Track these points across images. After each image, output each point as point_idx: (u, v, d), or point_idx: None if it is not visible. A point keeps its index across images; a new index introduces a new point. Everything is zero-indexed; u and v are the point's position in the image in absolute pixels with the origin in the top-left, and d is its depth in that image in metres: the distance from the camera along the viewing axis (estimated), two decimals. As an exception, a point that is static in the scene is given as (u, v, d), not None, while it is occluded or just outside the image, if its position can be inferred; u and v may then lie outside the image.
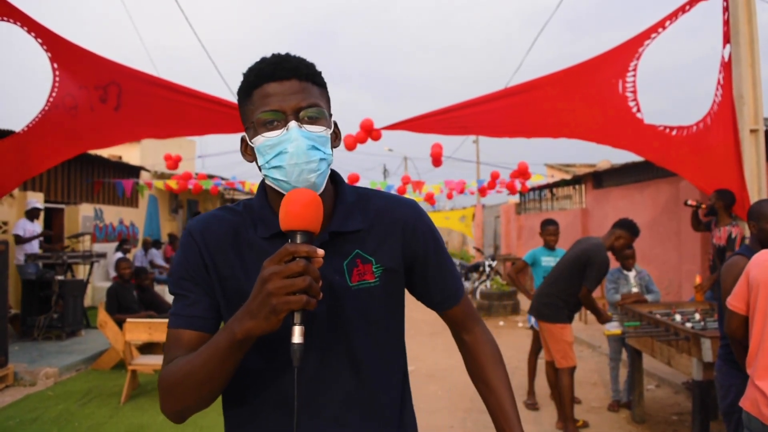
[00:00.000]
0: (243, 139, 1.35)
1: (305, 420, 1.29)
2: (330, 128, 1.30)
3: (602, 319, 5.38)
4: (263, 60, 1.30)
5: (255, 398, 1.33)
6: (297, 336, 1.08)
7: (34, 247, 9.11)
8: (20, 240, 8.95)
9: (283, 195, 1.26)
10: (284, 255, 1.06)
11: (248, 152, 1.34)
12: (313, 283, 1.05)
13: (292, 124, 1.23)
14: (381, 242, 1.36)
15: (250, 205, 1.38)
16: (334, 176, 1.42)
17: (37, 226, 9.29)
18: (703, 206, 6.22)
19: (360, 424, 1.33)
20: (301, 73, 1.27)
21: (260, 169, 1.29)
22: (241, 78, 1.32)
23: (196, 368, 1.18)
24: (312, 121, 1.25)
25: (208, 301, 1.30)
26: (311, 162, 1.23)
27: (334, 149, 1.35)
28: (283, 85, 1.25)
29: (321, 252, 1.08)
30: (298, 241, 1.11)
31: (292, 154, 1.22)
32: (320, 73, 1.32)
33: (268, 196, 1.37)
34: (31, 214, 9.22)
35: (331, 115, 1.33)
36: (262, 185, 1.38)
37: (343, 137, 7.71)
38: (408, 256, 1.40)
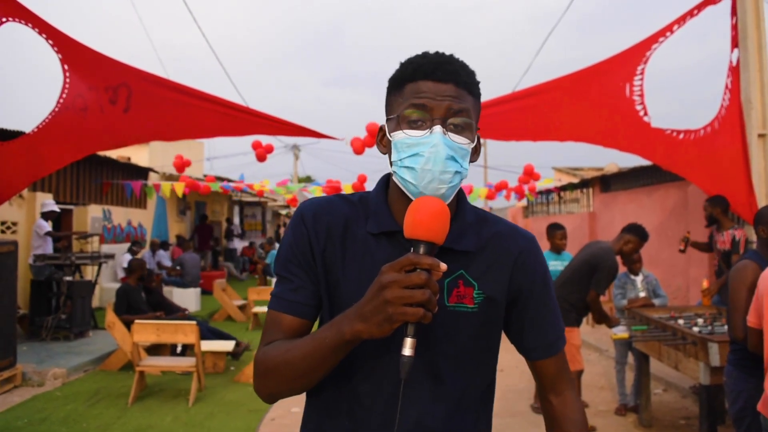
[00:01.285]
0: (382, 129, 1.30)
1: None
2: (473, 142, 1.24)
3: (610, 323, 5.37)
4: (425, 56, 1.25)
5: (330, 400, 1.30)
6: (408, 348, 1.06)
7: (50, 246, 9.26)
8: (52, 234, 9.29)
9: (405, 195, 1.23)
10: (406, 264, 1.04)
11: (384, 143, 1.30)
12: (432, 297, 1.03)
13: (437, 128, 1.17)
14: (488, 268, 1.30)
15: (367, 198, 1.34)
16: (458, 192, 1.33)
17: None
18: (688, 234, 6.49)
19: None
20: (461, 80, 1.21)
21: (391, 165, 1.25)
22: (396, 67, 1.28)
23: (296, 359, 1.18)
24: (458, 130, 1.20)
25: (311, 288, 1.28)
26: (446, 173, 1.17)
27: (471, 163, 1.30)
28: (438, 87, 1.20)
29: (444, 266, 1.05)
30: (421, 252, 1.08)
31: (428, 159, 1.16)
32: (478, 83, 1.27)
33: (388, 192, 1.33)
34: (47, 216, 9.36)
35: (477, 129, 1.27)
36: (384, 180, 1.35)
37: (351, 140, 7.65)
38: (513, 289, 1.32)
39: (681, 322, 4.73)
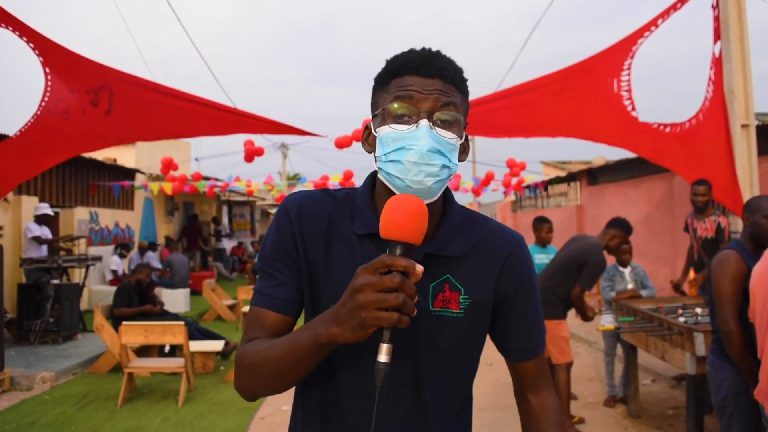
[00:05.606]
0: (368, 128, 1.28)
1: None
2: (461, 138, 1.21)
3: (585, 317, 5.35)
4: (411, 51, 1.22)
5: (316, 401, 1.30)
6: (384, 355, 1.02)
7: (44, 250, 9.21)
8: (41, 241, 9.24)
9: (392, 193, 1.19)
10: (380, 266, 1.01)
11: (369, 141, 1.28)
12: (408, 300, 0.99)
13: (424, 122, 1.15)
14: (475, 272, 1.27)
15: (353, 195, 1.32)
16: (445, 193, 1.31)
17: (46, 230, 9.40)
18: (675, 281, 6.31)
19: None
20: (447, 75, 1.19)
21: (376, 161, 1.22)
22: (382, 64, 1.25)
23: (272, 359, 1.15)
24: (445, 125, 1.17)
25: (294, 284, 1.26)
26: (432, 165, 1.14)
27: (460, 162, 1.26)
28: (425, 81, 1.18)
29: (420, 268, 1.02)
30: (397, 253, 1.04)
31: (414, 152, 1.13)
32: (466, 80, 1.25)
33: (375, 191, 1.31)
34: (40, 219, 9.30)
35: (465, 125, 1.24)
36: (371, 178, 1.33)
37: (335, 138, 7.63)
38: (500, 293, 1.30)
39: (681, 311, 4.76)
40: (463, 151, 1.26)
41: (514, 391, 1.46)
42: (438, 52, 1.22)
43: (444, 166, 1.16)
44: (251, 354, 1.20)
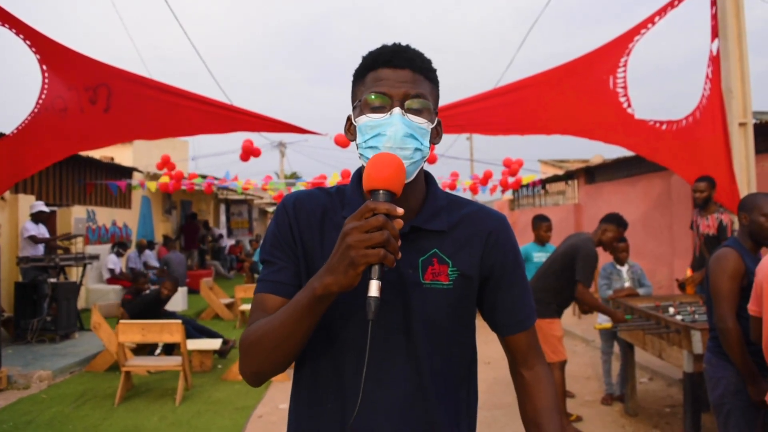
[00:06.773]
0: (348, 118, 1.40)
1: (360, 413, 1.26)
2: (432, 123, 1.33)
3: (616, 317, 5.14)
4: (384, 47, 1.35)
5: (315, 376, 1.36)
6: (374, 290, 1.11)
7: (40, 249, 9.18)
8: (37, 240, 9.16)
9: None
10: (365, 211, 1.11)
11: (351, 131, 1.39)
12: (392, 238, 1.09)
13: (396, 110, 1.27)
14: (461, 246, 1.37)
15: (343, 189, 1.43)
16: (428, 178, 1.45)
17: (42, 229, 9.35)
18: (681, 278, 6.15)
19: (412, 428, 1.32)
20: (416, 65, 1.32)
21: (357, 148, 1.34)
22: (358, 61, 1.37)
23: (275, 327, 1.23)
24: (416, 111, 1.29)
25: (292, 270, 1.35)
26: (406, 149, 1.26)
27: (434, 145, 1.40)
28: (396, 73, 1.30)
29: (400, 210, 1.12)
30: (380, 200, 1.15)
31: (389, 138, 1.25)
32: (435, 70, 1.38)
33: (362, 182, 1.38)
34: (37, 217, 9.27)
35: (436, 113, 1.37)
36: (358, 173, 1.43)
37: (335, 135, 7.57)
38: (485, 267, 1.39)
39: (671, 310, 4.76)
40: (437, 135, 1.39)
41: (509, 368, 1.52)
42: (407, 46, 1.35)
43: (416, 149, 1.28)
44: (254, 331, 1.28)
